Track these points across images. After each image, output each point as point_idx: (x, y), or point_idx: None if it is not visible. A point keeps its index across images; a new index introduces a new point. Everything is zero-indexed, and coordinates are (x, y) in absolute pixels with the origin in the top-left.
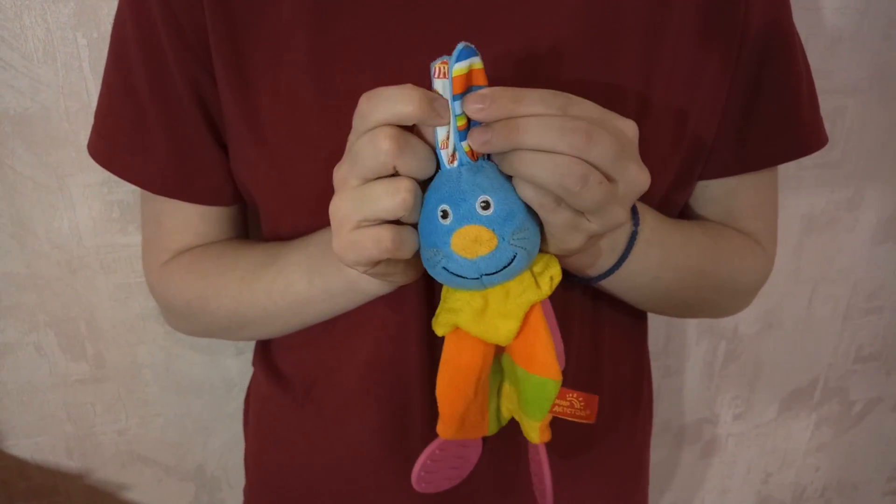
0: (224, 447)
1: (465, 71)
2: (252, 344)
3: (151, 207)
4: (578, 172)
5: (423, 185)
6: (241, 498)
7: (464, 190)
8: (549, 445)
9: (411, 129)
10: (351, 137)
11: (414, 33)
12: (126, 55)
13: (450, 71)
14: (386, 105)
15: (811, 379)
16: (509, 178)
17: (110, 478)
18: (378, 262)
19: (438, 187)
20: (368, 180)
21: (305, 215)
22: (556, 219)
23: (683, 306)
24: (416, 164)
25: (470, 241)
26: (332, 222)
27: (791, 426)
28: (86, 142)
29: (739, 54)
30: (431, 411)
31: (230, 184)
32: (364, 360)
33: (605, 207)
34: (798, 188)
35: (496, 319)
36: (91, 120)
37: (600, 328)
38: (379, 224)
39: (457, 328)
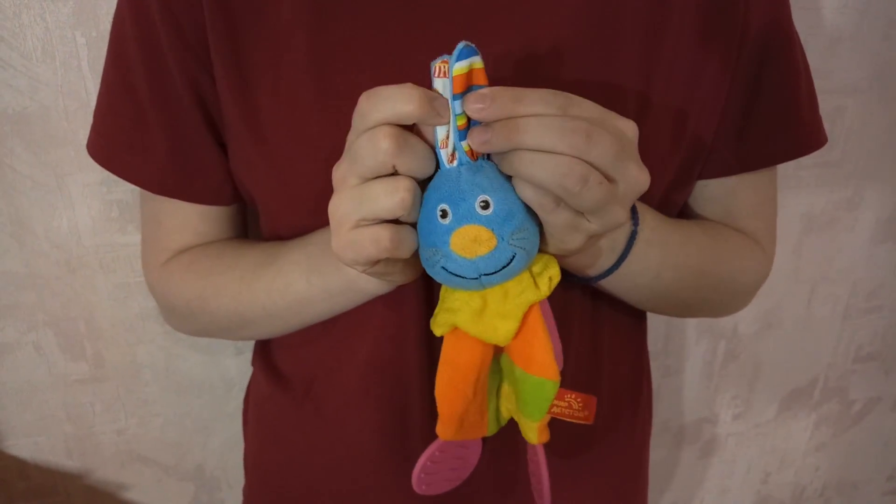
0: (223, 447)
1: (465, 70)
2: (251, 343)
3: (151, 207)
4: (578, 173)
5: (423, 184)
6: (240, 498)
7: (463, 189)
8: (548, 445)
9: (411, 129)
10: (350, 136)
11: (414, 33)
12: (125, 54)
13: (450, 70)
14: (386, 104)
15: (811, 379)
16: (509, 177)
17: (110, 478)
18: (377, 262)
19: (438, 187)
20: (367, 179)
21: (305, 215)
22: (555, 219)
23: (683, 306)
24: (416, 163)
25: (469, 241)
26: (331, 221)
27: (791, 426)
28: (85, 141)
29: (739, 54)
30: (431, 411)
31: (229, 183)
32: (363, 359)
33: (604, 207)
34: (798, 188)
35: (495, 320)
36: (90, 119)
37: (600, 328)
38: (378, 223)
39: (455, 328)
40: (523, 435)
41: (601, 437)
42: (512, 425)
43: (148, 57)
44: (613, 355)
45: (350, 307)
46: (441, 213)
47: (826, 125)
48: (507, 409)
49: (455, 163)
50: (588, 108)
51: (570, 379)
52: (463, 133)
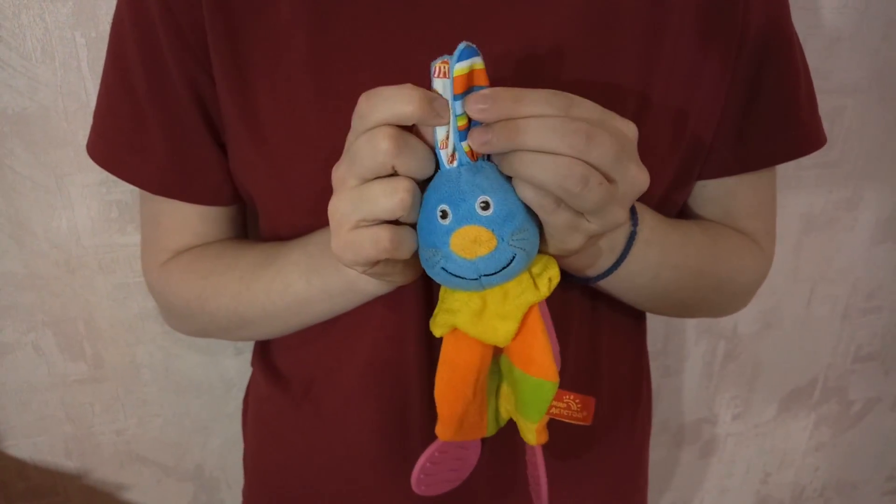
0: (223, 447)
1: (465, 71)
2: (251, 344)
3: (150, 207)
4: (579, 174)
5: (423, 185)
6: (239, 498)
7: (463, 190)
8: (548, 446)
9: (410, 129)
10: (350, 137)
11: (414, 33)
12: (124, 55)
13: (451, 71)
14: (385, 105)
15: (810, 379)
16: (509, 178)
17: (109, 478)
18: (377, 262)
19: (438, 187)
20: (367, 180)
21: (304, 215)
22: (555, 219)
23: (682, 306)
24: (415, 164)
25: (469, 242)
26: (330, 222)
27: (790, 426)
28: (84, 141)
29: (738, 54)
30: (430, 412)
31: (229, 184)
32: (363, 360)
33: (605, 208)
34: (797, 188)
35: (494, 320)
36: (90, 119)
37: (599, 328)
38: (377, 224)
39: (455, 329)
40: (522, 436)
41: (601, 438)
42: (511, 426)
43: (147, 57)
44: (613, 356)
45: (350, 308)
46: (441, 213)
47: (825, 125)
48: (507, 409)
49: (455, 163)
50: (589, 108)
51: (570, 379)
52: (463, 134)
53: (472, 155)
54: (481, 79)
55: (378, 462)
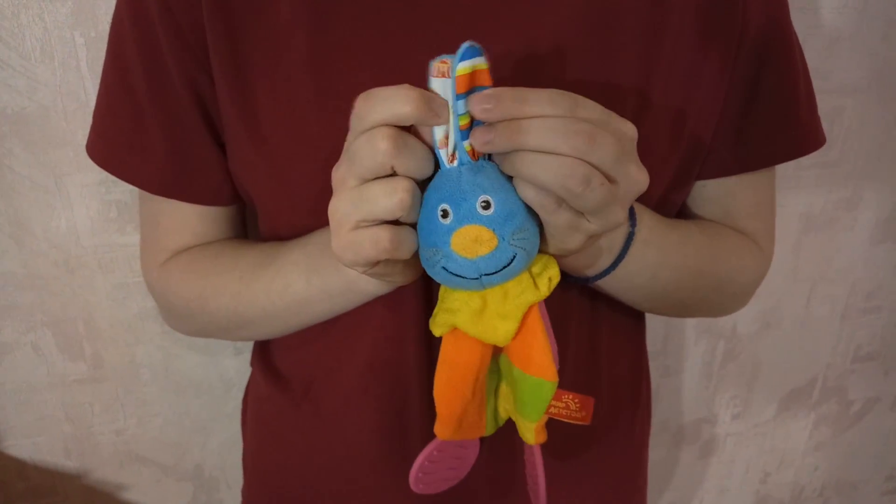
0: (222, 447)
1: (468, 71)
2: (251, 344)
3: (150, 207)
4: (581, 174)
5: (422, 184)
6: (239, 498)
7: (464, 189)
8: (548, 446)
9: (409, 129)
10: (349, 138)
11: (414, 33)
12: (124, 54)
13: (452, 70)
14: (383, 105)
15: (810, 378)
16: (509, 177)
17: (108, 478)
18: (377, 263)
19: (438, 187)
20: (366, 180)
21: (304, 215)
22: (556, 219)
23: (681, 306)
24: (415, 164)
25: (470, 241)
26: (330, 222)
27: (790, 426)
28: (84, 141)
29: (738, 54)
30: (430, 411)
31: (228, 184)
32: (362, 360)
33: (605, 208)
34: (796, 188)
35: (494, 320)
36: (89, 119)
37: (598, 328)
38: (377, 224)
39: (455, 328)
40: (521, 435)
41: (600, 438)
42: (510, 425)
43: (147, 57)
44: (612, 355)
45: (349, 308)
46: (442, 213)
47: (825, 125)
48: (506, 409)
49: (455, 163)
50: (592, 109)
51: (569, 379)
52: (465, 133)
53: (473, 154)
54: (484, 79)
55: (377, 462)
